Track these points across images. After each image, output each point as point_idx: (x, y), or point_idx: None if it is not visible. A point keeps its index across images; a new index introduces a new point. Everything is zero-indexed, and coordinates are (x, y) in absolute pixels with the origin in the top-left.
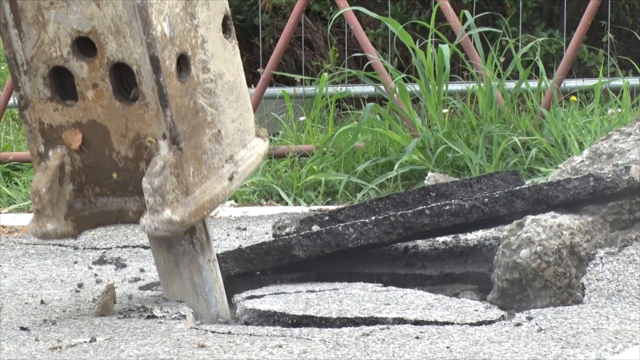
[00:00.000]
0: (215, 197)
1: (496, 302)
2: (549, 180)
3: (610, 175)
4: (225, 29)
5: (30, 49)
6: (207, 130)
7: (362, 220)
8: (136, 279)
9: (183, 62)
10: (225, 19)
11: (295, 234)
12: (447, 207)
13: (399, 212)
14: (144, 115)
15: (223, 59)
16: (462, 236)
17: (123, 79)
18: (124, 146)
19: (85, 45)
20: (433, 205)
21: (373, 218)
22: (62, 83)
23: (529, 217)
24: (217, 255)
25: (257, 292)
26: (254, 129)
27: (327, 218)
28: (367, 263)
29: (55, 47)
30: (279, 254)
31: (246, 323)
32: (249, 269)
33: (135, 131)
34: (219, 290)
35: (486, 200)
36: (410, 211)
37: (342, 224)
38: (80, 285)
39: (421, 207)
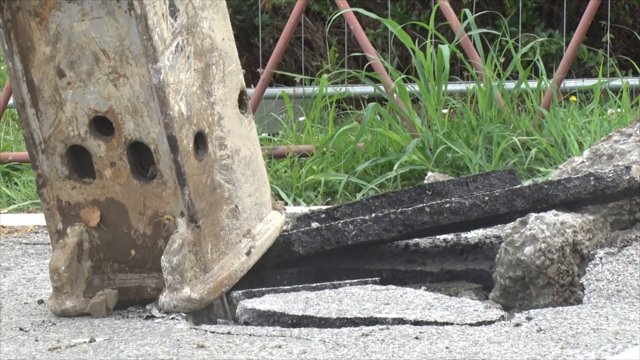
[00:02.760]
0: (234, 273)
1: (498, 301)
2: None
3: (610, 175)
4: (241, 104)
5: (48, 128)
6: (225, 207)
7: (362, 217)
8: None
9: (200, 140)
10: (241, 94)
11: (294, 231)
12: (447, 205)
13: (399, 210)
14: (162, 193)
15: (239, 134)
16: (462, 234)
17: (140, 157)
18: (142, 224)
19: (102, 124)
20: (433, 203)
21: (373, 215)
22: (79, 161)
23: (533, 215)
24: None
25: (256, 289)
26: (270, 202)
27: (323, 216)
28: (367, 259)
29: (73, 126)
30: (278, 250)
31: (246, 323)
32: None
33: (153, 209)
34: None
35: (486, 198)
36: (410, 209)
37: (342, 221)
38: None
39: (421, 205)
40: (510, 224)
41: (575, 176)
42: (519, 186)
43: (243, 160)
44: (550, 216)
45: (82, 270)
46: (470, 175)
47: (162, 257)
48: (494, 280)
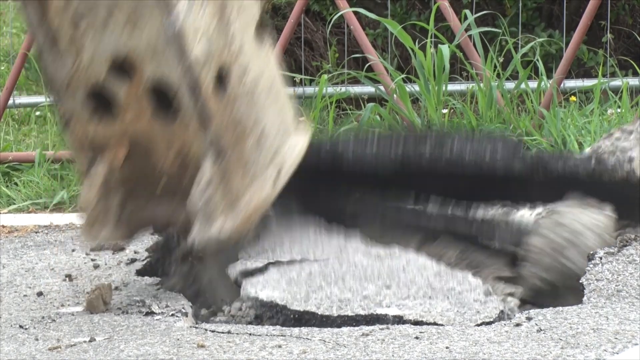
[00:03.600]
0: (262, 203)
1: (525, 299)
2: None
3: (612, 161)
4: (259, 29)
5: (68, 72)
6: (249, 138)
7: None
8: (132, 260)
9: (222, 75)
10: (260, 20)
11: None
12: (448, 153)
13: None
14: (186, 132)
15: (259, 62)
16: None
17: (162, 98)
18: (167, 161)
19: (122, 68)
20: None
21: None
22: (102, 104)
23: (570, 215)
24: None
25: (251, 263)
26: (294, 124)
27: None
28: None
29: (93, 69)
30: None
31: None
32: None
33: (178, 147)
34: None
35: (487, 156)
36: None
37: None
38: (68, 276)
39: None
40: (547, 223)
41: (579, 156)
42: (520, 151)
43: (265, 87)
44: (593, 219)
45: (111, 204)
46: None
47: (190, 195)
48: (523, 278)
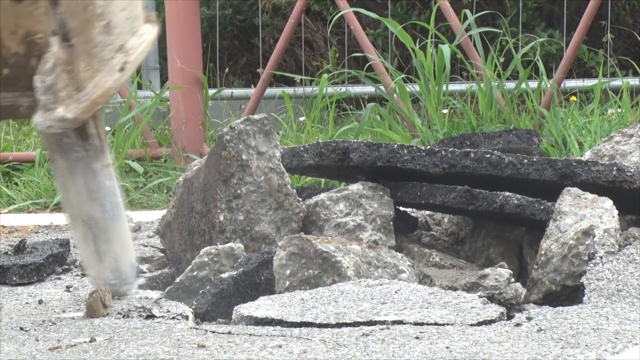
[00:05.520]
0: (107, 90)
1: (537, 302)
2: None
3: (631, 170)
4: None
5: None
6: (97, 23)
7: (417, 146)
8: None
9: None
10: None
11: (357, 141)
12: (488, 156)
13: (450, 149)
14: (34, 12)
15: None
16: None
17: None
18: (14, 43)
19: None
20: (477, 150)
21: (428, 147)
22: None
23: (598, 227)
24: (301, 146)
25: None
26: (142, 14)
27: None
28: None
29: None
30: (339, 153)
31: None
32: (318, 162)
33: (25, 28)
34: (114, 195)
35: (525, 161)
36: (458, 150)
37: (398, 144)
38: (68, 287)
39: (468, 150)
40: (572, 234)
41: (602, 162)
42: (553, 158)
43: None
44: (612, 226)
45: None
46: (497, 131)
47: (35, 77)
48: (537, 282)
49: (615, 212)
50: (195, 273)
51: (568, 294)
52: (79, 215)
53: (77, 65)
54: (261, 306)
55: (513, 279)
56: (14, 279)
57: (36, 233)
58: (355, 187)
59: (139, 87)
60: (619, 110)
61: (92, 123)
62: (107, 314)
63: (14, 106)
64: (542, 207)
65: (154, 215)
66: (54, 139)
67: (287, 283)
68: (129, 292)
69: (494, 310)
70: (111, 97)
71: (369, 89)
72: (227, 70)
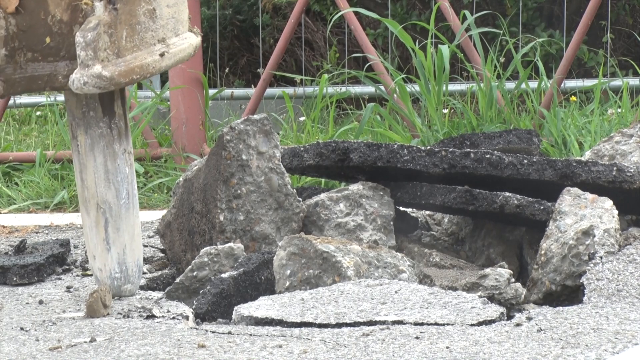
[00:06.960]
0: (146, 65)
1: (537, 302)
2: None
3: (631, 170)
4: None
5: None
6: (143, 4)
7: (417, 146)
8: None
9: None
10: None
11: (357, 141)
12: (488, 156)
13: (450, 149)
14: None
15: None
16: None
17: None
18: (59, 9)
19: None
20: (477, 150)
21: (428, 147)
22: None
23: (598, 227)
24: (302, 146)
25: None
26: (187, 22)
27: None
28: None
29: None
30: (339, 153)
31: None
32: (318, 162)
33: None
34: (131, 184)
35: (525, 161)
36: (459, 151)
37: (398, 144)
38: (69, 287)
39: (468, 150)
40: (572, 234)
41: (602, 163)
42: (553, 158)
43: None
44: (612, 226)
45: None
46: (497, 131)
47: (77, 33)
48: (537, 282)
49: (615, 212)
50: (195, 273)
51: (568, 294)
52: (93, 198)
53: (119, 31)
54: (261, 306)
55: (513, 279)
56: (15, 279)
57: (36, 233)
58: (356, 187)
59: (139, 87)
60: (619, 110)
61: (120, 102)
62: (108, 314)
63: (53, 75)
64: (542, 207)
65: (154, 215)
66: (79, 112)
67: (288, 283)
68: (131, 293)
69: (494, 310)
70: (147, 75)
71: (369, 89)
72: (227, 70)
